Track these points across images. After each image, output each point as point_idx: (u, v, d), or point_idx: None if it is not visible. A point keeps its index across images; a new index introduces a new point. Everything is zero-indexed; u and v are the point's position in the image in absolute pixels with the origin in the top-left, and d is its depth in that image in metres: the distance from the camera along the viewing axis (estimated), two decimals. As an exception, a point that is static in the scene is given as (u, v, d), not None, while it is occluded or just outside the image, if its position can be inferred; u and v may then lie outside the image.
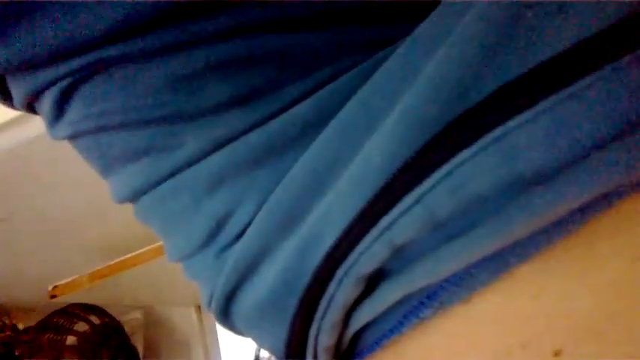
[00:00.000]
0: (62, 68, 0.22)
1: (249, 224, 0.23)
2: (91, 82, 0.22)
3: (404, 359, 0.21)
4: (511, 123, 0.16)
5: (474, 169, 0.17)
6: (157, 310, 1.48)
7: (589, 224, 0.18)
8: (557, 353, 0.18)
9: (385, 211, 0.18)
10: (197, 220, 0.24)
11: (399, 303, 0.20)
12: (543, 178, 0.17)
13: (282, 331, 0.22)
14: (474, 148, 0.17)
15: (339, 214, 0.19)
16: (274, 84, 0.22)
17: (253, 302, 0.23)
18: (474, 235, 0.18)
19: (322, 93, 0.21)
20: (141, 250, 0.99)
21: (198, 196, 0.23)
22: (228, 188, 0.22)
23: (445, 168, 0.17)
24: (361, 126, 0.20)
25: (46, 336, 1.24)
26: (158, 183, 0.24)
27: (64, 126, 0.24)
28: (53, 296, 1.01)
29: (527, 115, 0.16)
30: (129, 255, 0.99)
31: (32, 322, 1.28)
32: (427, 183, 0.18)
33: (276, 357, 0.24)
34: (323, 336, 0.21)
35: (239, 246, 0.23)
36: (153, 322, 1.47)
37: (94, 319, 1.30)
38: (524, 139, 0.16)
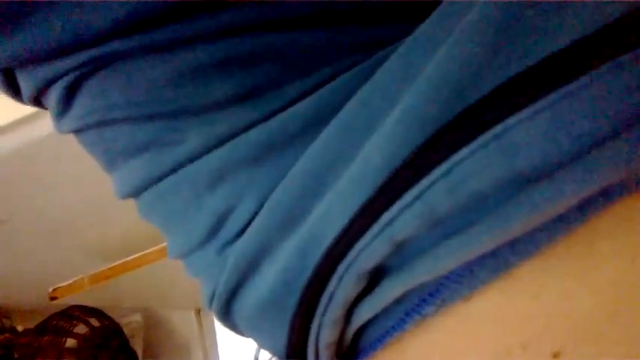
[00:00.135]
0: (69, 62, 0.22)
1: (250, 221, 0.23)
2: (97, 77, 0.23)
3: (406, 357, 0.21)
4: (510, 120, 0.17)
5: (473, 166, 0.17)
6: (156, 312, 1.48)
7: (589, 222, 0.18)
8: (556, 355, 0.18)
9: (385, 207, 0.19)
10: (198, 216, 0.24)
11: (401, 300, 0.20)
12: (542, 174, 0.17)
13: (283, 329, 0.22)
14: (474, 145, 0.17)
15: (340, 212, 0.20)
16: (275, 82, 0.22)
17: (255, 300, 0.23)
18: (474, 231, 0.18)
19: (322, 92, 0.22)
20: (141, 253, 0.99)
21: (200, 192, 0.23)
22: (229, 184, 0.23)
23: (445, 165, 0.17)
24: (361, 126, 0.20)
25: (46, 338, 1.23)
26: (160, 178, 0.24)
27: (70, 120, 0.25)
28: (53, 298, 1.01)
29: (526, 112, 0.16)
30: (129, 257, 0.99)
31: (31, 324, 1.28)
32: (427, 180, 0.18)
33: (277, 357, 0.24)
34: (324, 333, 0.21)
35: (240, 244, 0.23)
36: (152, 325, 1.47)
37: (94, 322, 1.30)
38: (524, 136, 0.16)
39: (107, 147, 0.25)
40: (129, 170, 0.25)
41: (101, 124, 0.24)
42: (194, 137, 0.23)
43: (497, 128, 0.17)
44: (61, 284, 1.01)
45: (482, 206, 0.18)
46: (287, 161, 0.22)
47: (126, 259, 0.99)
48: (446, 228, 0.19)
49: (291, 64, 0.22)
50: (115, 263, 1.00)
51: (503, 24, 0.17)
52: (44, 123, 0.81)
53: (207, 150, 0.23)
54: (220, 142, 0.22)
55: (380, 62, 0.21)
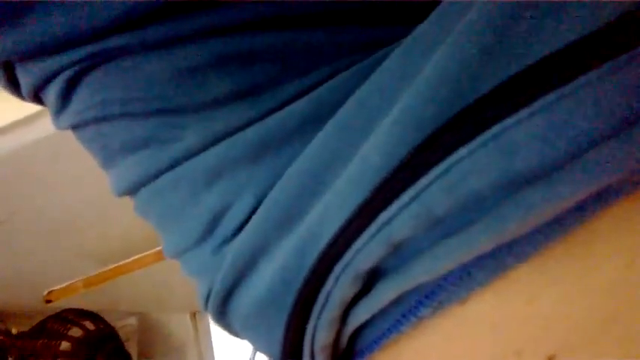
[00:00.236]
0: (68, 57, 0.22)
1: (246, 220, 0.23)
2: (96, 72, 0.23)
3: None
4: (509, 121, 0.17)
5: (471, 166, 0.17)
6: (151, 316, 1.48)
7: (587, 224, 0.18)
8: (551, 358, 0.18)
9: (383, 208, 0.18)
10: (195, 213, 0.24)
11: (398, 302, 0.20)
12: (540, 175, 0.17)
13: (278, 330, 0.22)
14: (472, 145, 0.17)
15: (337, 212, 0.20)
16: (274, 80, 0.22)
17: (251, 299, 0.23)
18: (471, 232, 0.18)
19: (321, 91, 0.22)
20: (137, 256, 0.99)
21: (197, 189, 0.23)
22: (227, 182, 0.23)
23: (443, 165, 0.17)
24: (360, 125, 0.20)
25: (40, 341, 1.23)
26: (157, 175, 0.24)
27: (68, 116, 0.25)
28: (48, 301, 1.01)
29: (524, 112, 0.16)
30: (125, 261, 0.99)
31: (26, 327, 1.27)
32: (425, 180, 0.18)
33: (273, 359, 0.24)
34: (320, 334, 0.21)
35: (237, 242, 0.23)
36: (147, 329, 1.47)
37: (89, 325, 1.30)
38: (522, 137, 0.16)
39: (105, 143, 0.25)
40: (126, 167, 0.25)
41: (99, 120, 0.24)
42: (192, 134, 0.23)
43: (496, 128, 0.17)
44: (56, 287, 1.01)
45: (480, 207, 0.18)
46: (285, 160, 0.22)
47: (121, 262, 0.99)
48: (443, 229, 0.19)
49: (290, 62, 0.22)
50: (111, 266, 0.99)
51: (501, 24, 0.17)
52: (42, 125, 0.81)
53: (205, 147, 0.23)
54: (218, 140, 0.22)
55: (379, 62, 0.21)
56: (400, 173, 0.18)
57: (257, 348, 0.25)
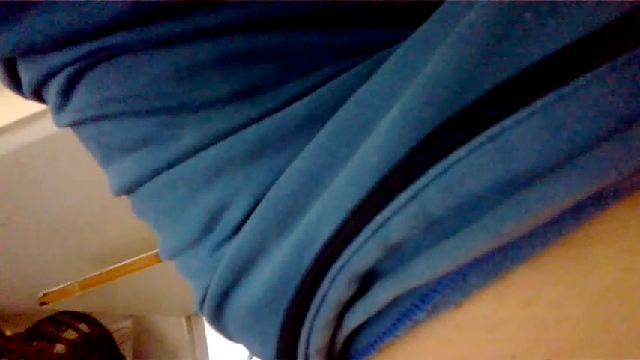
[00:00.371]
0: (70, 54, 0.22)
1: (244, 220, 0.23)
2: (97, 70, 0.23)
3: None
4: (506, 122, 0.17)
5: (468, 168, 0.17)
6: (147, 319, 1.47)
7: (583, 228, 0.18)
8: None
9: (379, 209, 0.18)
10: (192, 213, 0.24)
11: (393, 305, 0.20)
12: (538, 176, 0.17)
13: (273, 332, 0.22)
14: (469, 146, 0.17)
15: (334, 212, 0.20)
16: (274, 81, 0.22)
17: (247, 301, 0.23)
18: (467, 234, 0.18)
19: (321, 91, 0.22)
20: (132, 259, 0.98)
21: (195, 189, 0.23)
22: (225, 182, 0.23)
23: (440, 166, 0.17)
24: (358, 126, 0.20)
25: (35, 343, 1.22)
26: (155, 174, 0.24)
27: (69, 113, 0.25)
28: (43, 303, 1.00)
29: (522, 113, 0.16)
30: (120, 263, 0.99)
31: (21, 329, 1.27)
32: (422, 181, 0.18)
33: None
34: (315, 337, 0.21)
35: (234, 243, 0.23)
36: (142, 332, 1.46)
37: (84, 327, 1.29)
38: (519, 138, 0.16)
39: (104, 141, 0.25)
40: (125, 165, 0.25)
41: (99, 117, 0.24)
42: (191, 134, 0.23)
43: (494, 129, 0.17)
44: (52, 289, 1.00)
45: (477, 208, 0.18)
46: (283, 160, 0.22)
47: (117, 264, 0.98)
48: (440, 230, 0.19)
49: (291, 63, 0.22)
50: (107, 269, 0.99)
51: (500, 26, 0.17)
52: (40, 126, 0.81)
53: (204, 147, 0.23)
54: (217, 139, 0.22)
55: (378, 64, 0.21)
56: (397, 174, 0.18)
57: (251, 351, 0.25)
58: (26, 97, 0.27)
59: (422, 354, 0.21)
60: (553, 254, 0.18)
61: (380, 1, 0.22)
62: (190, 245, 0.25)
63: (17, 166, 0.87)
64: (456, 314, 0.19)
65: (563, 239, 0.18)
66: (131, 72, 0.22)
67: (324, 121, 0.21)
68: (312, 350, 0.22)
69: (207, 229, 0.24)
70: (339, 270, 0.20)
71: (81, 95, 0.24)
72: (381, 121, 0.20)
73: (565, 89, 0.16)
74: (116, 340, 1.36)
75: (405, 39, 0.21)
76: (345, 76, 0.22)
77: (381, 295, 0.20)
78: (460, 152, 0.17)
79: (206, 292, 0.24)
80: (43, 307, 1.01)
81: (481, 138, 0.17)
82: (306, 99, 0.22)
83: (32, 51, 0.23)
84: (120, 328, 1.43)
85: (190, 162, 0.23)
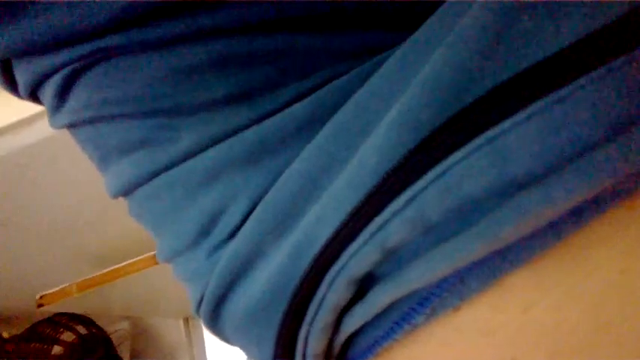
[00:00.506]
0: (66, 55, 0.22)
1: (241, 223, 0.23)
2: (93, 71, 0.23)
3: None
4: (504, 125, 0.17)
5: (466, 171, 0.17)
6: (144, 321, 1.47)
7: (581, 231, 0.18)
8: None
9: (377, 212, 0.18)
10: (190, 216, 0.24)
11: (391, 309, 0.20)
12: (535, 179, 0.16)
13: (270, 336, 0.22)
14: (467, 149, 0.17)
15: (332, 215, 0.19)
16: (273, 83, 0.22)
17: (244, 304, 0.23)
18: (466, 237, 0.18)
19: (319, 94, 0.22)
20: (130, 261, 0.98)
21: (192, 191, 0.23)
22: (223, 184, 0.23)
23: (437, 169, 0.17)
24: (357, 128, 0.20)
25: (32, 345, 1.22)
26: (153, 176, 0.24)
27: (65, 114, 0.25)
28: (40, 305, 1.00)
29: (519, 116, 0.16)
30: (118, 265, 0.99)
31: (18, 331, 1.27)
32: (419, 184, 0.18)
33: None
34: (312, 341, 0.21)
35: (231, 246, 0.23)
36: (140, 333, 1.46)
37: (81, 329, 1.29)
38: (517, 141, 0.16)
39: (101, 143, 0.25)
40: (122, 167, 0.25)
41: (96, 119, 0.24)
42: (189, 136, 0.23)
43: (491, 132, 0.17)
44: (49, 291, 1.00)
45: (475, 211, 0.18)
46: (281, 163, 0.22)
47: (114, 266, 0.98)
48: (437, 234, 0.18)
49: (289, 65, 0.22)
50: (104, 271, 0.99)
51: (498, 28, 0.17)
52: (38, 127, 0.81)
53: (202, 149, 0.23)
54: (215, 142, 0.22)
55: (377, 67, 0.21)
56: (395, 176, 0.18)
57: (248, 354, 0.25)
58: (22, 98, 0.27)
59: (421, 358, 0.20)
60: (552, 257, 0.18)
61: (379, 3, 0.22)
62: (188, 248, 0.25)
63: (16, 167, 0.86)
64: (455, 317, 0.19)
65: (562, 242, 0.18)
66: (128, 73, 0.22)
67: (322, 123, 0.21)
68: (309, 354, 0.22)
69: (205, 231, 0.24)
70: (337, 273, 0.20)
71: (77, 96, 0.24)
72: (379, 123, 0.20)
73: (563, 91, 0.16)
74: (114, 341, 1.35)
75: (403, 41, 0.21)
76: (344, 78, 0.22)
77: (379, 299, 0.20)
78: (458, 155, 0.17)
79: (203, 295, 0.24)
80: (41, 309, 1.01)
81: (479, 140, 0.17)
82: (305, 101, 0.22)
83: (28, 52, 0.23)
84: (117, 330, 1.42)
85: (188, 164, 0.23)
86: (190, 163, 0.23)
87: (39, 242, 1.09)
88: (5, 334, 1.27)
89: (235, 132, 0.22)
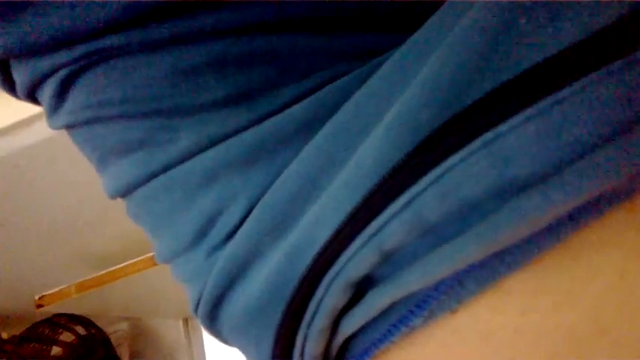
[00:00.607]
0: (64, 56, 0.22)
1: (239, 224, 0.23)
2: (92, 72, 0.23)
3: None
4: (502, 127, 0.17)
5: (464, 173, 0.17)
6: (143, 321, 1.47)
7: (580, 234, 0.18)
8: None
9: (375, 214, 0.18)
10: (188, 217, 0.24)
11: (389, 311, 0.20)
12: (533, 182, 0.16)
13: (268, 338, 0.22)
14: (465, 151, 0.17)
15: (330, 218, 0.19)
16: (272, 84, 0.22)
17: (241, 306, 0.22)
18: (463, 240, 0.18)
19: (318, 95, 0.22)
20: (129, 262, 0.98)
21: (190, 193, 0.23)
22: (221, 185, 0.23)
23: (435, 172, 0.17)
24: (356, 129, 0.20)
25: (31, 346, 1.22)
26: (152, 177, 0.24)
27: (63, 115, 0.25)
28: (39, 306, 1.00)
29: (517, 119, 0.16)
30: (117, 266, 0.99)
31: (17, 332, 1.26)
32: (417, 187, 0.18)
33: None
34: (310, 343, 0.21)
35: (229, 247, 0.23)
36: (139, 334, 1.46)
37: (80, 330, 1.29)
38: (516, 143, 0.16)
39: (99, 144, 0.25)
40: (120, 169, 0.25)
41: (94, 120, 0.24)
42: (187, 137, 0.23)
43: (489, 135, 0.17)
44: (48, 292, 1.00)
45: (473, 214, 0.18)
46: (280, 164, 0.22)
47: (114, 267, 0.98)
48: (435, 237, 0.18)
49: (288, 66, 0.22)
50: (103, 271, 0.99)
51: (496, 30, 0.17)
52: (37, 129, 0.80)
53: (201, 150, 0.23)
54: (213, 143, 0.22)
55: (376, 68, 0.21)
56: (393, 178, 0.18)
57: (247, 355, 0.25)
58: (20, 99, 0.27)
59: None
60: (551, 259, 0.18)
61: (378, 4, 0.22)
62: (186, 249, 0.25)
63: (15, 168, 0.86)
64: (453, 320, 0.19)
65: (561, 244, 0.18)
66: (127, 74, 0.22)
67: (321, 125, 0.21)
68: (307, 356, 0.22)
69: (203, 232, 0.24)
70: (335, 276, 0.20)
71: (75, 97, 0.24)
72: (378, 124, 0.20)
73: (562, 93, 0.16)
74: (113, 342, 1.35)
75: (402, 43, 0.21)
76: (343, 79, 0.22)
77: (377, 301, 0.20)
78: (457, 156, 0.17)
79: (201, 295, 0.24)
80: (40, 309, 1.01)
81: (477, 143, 0.17)
82: (304, 102, 0.22)
83: (26, 53, 0.23)
84: (117, 331, 1.42)
85: (186, 165, 0.23)
86: (189, 164, 0.23)
87: (38, 243, 1.08)
88: (4, 335, 1.27)
89: (234, 133, 0.22)
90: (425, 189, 0.17)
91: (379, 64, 0.21)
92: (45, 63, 0.23)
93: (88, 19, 0.21)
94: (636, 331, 0.17)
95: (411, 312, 0.20)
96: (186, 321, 1.44)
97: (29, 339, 1.23)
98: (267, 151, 0.22)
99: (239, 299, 0.23)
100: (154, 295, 1.18)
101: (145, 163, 0.24)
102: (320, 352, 0.22)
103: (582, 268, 0.18)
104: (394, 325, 0.20)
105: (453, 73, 0.18)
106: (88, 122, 0.24)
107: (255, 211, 0.22)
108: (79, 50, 0.22)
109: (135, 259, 0.97)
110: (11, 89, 0.27)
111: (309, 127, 0.21)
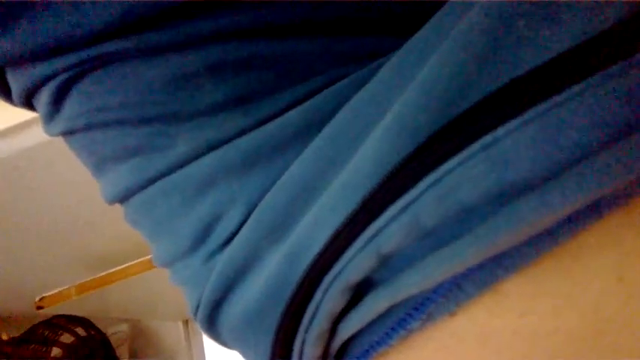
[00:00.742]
0: (61, 62, 0.22)
1: (238, 229, 0.22)
2: (89, 78, 0.23)
3: None
4: (499, 131, 0.16)
5: (461, 177, 0.17)
6: (143, 323, 1.47)
7: (578, 237, 0.18)
8: None
9: (372, 219, 0.18)
10: (186, 222, 0.24)
11: (387, 314, 0.20)
12: (531, 186, 0.16)
13: (266, 342, 0.22)
14: (463, 155, 0.17)
15: (327, 222, 0.19)
16: (269, 89, 0.22)
17: (240, 311, 0.22)
18: (461, 244, 0.18)
19: (315, 100, 0.22)
20: (129, 263, 0.98)
21: (188, 198, 0.23)
22: (219, 191, 0.23)
23: (433, 175, 0.17)
24: (353, 133, 0.20)
25: (31, 347, 1.22)
26: (149, 183, 0.24)
27: (60, 122, 0.25)
28: (40, 307, 1.00)
29: (515, 122, 0.16)
30: (117, 268, 0.99)
31: (17, 333, 1.26)
32: (415, 191, 0.18)
33: None
34: (308, 346, 0.21)
35: (227, 252, 0.23)
36: (139, 335, 1.46)
37: (80, 331, 1.29)
38: (513, 147, 0.16)
39: (96, 150, 0.25)
40: (117, 175, 0.25)
41: (92, 126, 0.24)
42: (185, 142, 0.22)
43: (486, 138, 0.17)
44: (48, 293, 1.00)
45: (471, 218, 0.18)
46: (278, 168, 0.22)
47: (114, 269, 0.98)
48: (433, 240, 0.18)
49: (285, 71, 0.22)
50: (103, 273, 0.99)
51: (494, 33, 0.17)
52: (36, 131, 0.80)
53: (198, 156, 0.22)
54: (211, 148, 0.22)
55: (373, 73, 0.21)
56: (391, 182, 0.18)
57: (246, 358, 0.25)
58: (16, 106, 0.27)
59: None
60: (549, 262, 0.18)
61: (376, 8, 0.22)
62: (184, 254, 0.24)
63: (15, 170, 0.86)
64: (451, 322, 0.19)
65: (559, 248, 0.18)
66: (124, 80, 0.22)
67: (319, 129, 0.21)
68: (306, 359, 0.22)
69: (201, 238, 0.24)
70: (333, 279, 0.19)
71: (72, 104, 0.24)
72: (376, 128, 0.19)
73: (560, 97, 0.16)
74: (113, 343, 1.35)
75: (400, 47, 0.21)
76: (340, 83, 0.22)
77: (375, 305, 0.20)
78: (455, 160, 0.17)
79: (200, 300, 0.24)
80: (40, 311, 1.01)
81: (475, 146, 0.17)
82: (302, 107, 0.22)
83: (21, 61, 0.23)
84: (116, 332, 1.42)
85: (184, 171, 0.23)
86: (187, 169, 0.23)
87: (38, 244, 1.08)
88: (4, 336, 1.27)
89: (232, 138, 0.22)
90: (423, 192, 0.17)
91: (377, 68, 0.21)
92: (41, 70, 0.23)
93: (85, 26, 0.21)
94: (635, 333, 0.17)
95: (409, 315, 0.19)
96: (186, 322, 1.44)
97: (29, 340, 1.23)
98: (265, 156, 0.22)
99: (238, 303, 0.23)
100: (153, 296, 1.18)
101: (143, 168, 0.24)
102: (318, 355, 0.22)
103: (581, 271, 0.18)
104: (392, 328, 0.20)
105: (451, 76, 0.17)
106: (85, 128, 0.24)
107: (253, 215, 0.22)
108: (76, 57, 0.22)
109: (135, 261, 0.97)
110: (6, 96, 0.27)
111: (307, 131, 0.21)
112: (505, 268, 0.18)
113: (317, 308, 0.20)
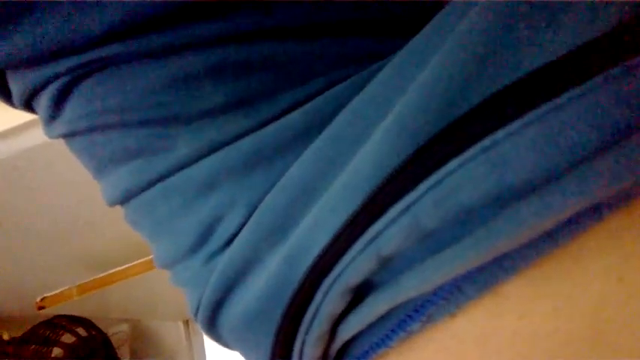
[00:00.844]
0: (61, 65, 0.22)
1: (238, 231, 0.23)
2: (90, 81, 0.23)
3: None
4: (500, 133, 0.16)
5: (462, 179, 0.17)
6: (144, 323, 1.47)
7: (578, 239, 0.18)
8: None
9: (372, 221, 0.18)
10: (187, 224, 0.24)
11: (387, 316, 0.20)
12: (531, 188, 0.16)
13: (266, 344, 0.22)
14: (463, 157, 0.17)
15: (327, 224, 0.19)
16: (269, 91, 0.22)
17: (240, 312, 0.22)
18: (461, 246, 0.18)
19: (316, 102, 0.22)
20: (131, 264, 0.98)
21: (189, 200, 0.23)
22: (219, 193, 0.23)
23: (433, 178, 0.17)
24: (353, 135, 0.20)
25: (32, 347, 1.22)
26: (150, 185, 0.24)
27: (61, 124, 0.25)
28: (41, 307, 1.00)
29: (515, 125, 0.16)
30: (118, 268, 0.99)
31: (18, 333, 1.27)
32: (415, 193, 0.17)
33: None
34: (308, 348, 0.21)
35: (227, 253, 0.23)
36: (140, 336, 1.46)
37: (81, 331, 1.29)
38: (513, 150, 0.16)
39: (97, 153, 0.25)
40: (118, 177, 0.25)
41: (92, 129, 0.24)
42: (185, 144, 0.22)
43: (486, 141, 0.17)
44: (50, 293, 1.00)
45: (471, 220, 0.18)
46: (278, 171, 0.22)
47: (115, 269, 0.98)
48: (433, 243, 0.18)
49: (286, 73, 0.22)
50: (104, 273, 0.99)
51: (495, 35, 0.17)
52: (36, 132, 0.81)
53: (198, 158, 0.22)
54: (211, 150, 0.22)
55: (374, 74, 0.21)
56: (391, 184, 0.18)
57: (247, 359, 0.25)
58: (16, 108, 0.27)
59: None
60: (549, 264, 0.18)
61: (376, 10, 0.22)
62: (185, 255, 0.24)
63: (15, 171, 0.86)
64: (451, 324, 0.19)
65: (560, 250, 0.18)
66: (125, 83, 0.22)
67: (320, 131, 0.21)
68: None
69: (202, 240, 0.24)
70: (333, 282, 0.19)
71: (73, 107, 0.24)
72: (376, 130, 0.19)
73: (560, 99, 0.16)
74: (113, 344, 1.35)
75: (400, 48, 0.21)
76: (341, 85, 0.22)
77: (375, 307, 0.20)
78: (455, 162, 0.17)
79: (200, 301, 0.24)
80: (41, 311, 1.01)
81: (475, 149, 0.17)
82: (302, 109, 0.22)
83: (23, 63, 0.23)
84: (117, 332, 1.42)
85: (185, 173, 0.23)
86: (187, 171, 0.23)
87: (39, 245, 1.09)
88: (5, 336, 1.27)
89: (232, 140, 0.22)
90: (423, 194, 0.17)
91: (378, 69, 0.21)
92: (41, 73, 0.23)
93: (86, 29, 0.20)
94: (635, 334, 0.17)
95: (410, 316, 0.20)
96: (186, 323, 1.44)
97: (30, 340, 1.24)
98: (266, 158, 0.22)
99: (238, 304, 0.23)
100: (154, 297, 1.18)
101: (144, 170, 0.24)
102: (318, 356, 0.22)
103: (581, 273, 0.18)
104: (392, 330, 0.20)
105: (451, 78, 0.17)
106: (86, 131, 0.24)
107: (254, 217, 0.22)
108: (77, 60, 0.22)
109: (136, 262, 0.97)
110: (6, 98, 0.27)
111: (308, 133, 0.21)
112: (505, 270, 0.18)
113: (317, 310, 0.20)
